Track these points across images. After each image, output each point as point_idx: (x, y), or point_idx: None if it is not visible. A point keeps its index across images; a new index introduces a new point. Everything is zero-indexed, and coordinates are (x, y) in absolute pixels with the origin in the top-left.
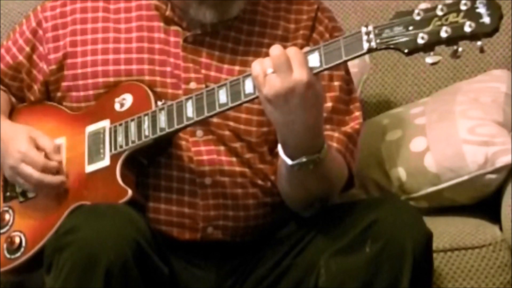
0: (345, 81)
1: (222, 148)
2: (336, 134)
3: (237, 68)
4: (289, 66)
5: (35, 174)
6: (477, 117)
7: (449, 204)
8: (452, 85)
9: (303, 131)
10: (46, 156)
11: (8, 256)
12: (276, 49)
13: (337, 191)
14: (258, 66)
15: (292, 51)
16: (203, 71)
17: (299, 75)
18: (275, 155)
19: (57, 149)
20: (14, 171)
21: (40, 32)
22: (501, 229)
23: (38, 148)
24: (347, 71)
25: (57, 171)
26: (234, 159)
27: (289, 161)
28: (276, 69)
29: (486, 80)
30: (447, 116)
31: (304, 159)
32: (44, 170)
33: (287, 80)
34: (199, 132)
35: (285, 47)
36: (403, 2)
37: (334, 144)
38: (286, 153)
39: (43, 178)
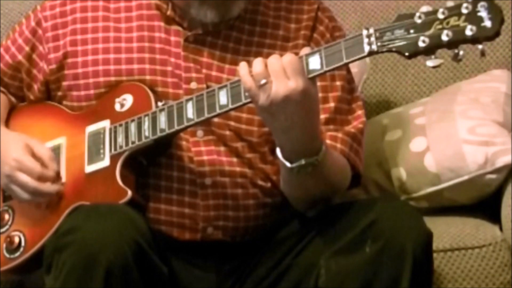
0: (347, 80)
1: (222, 148)
2: (339, 135)
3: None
4: (285, 74)
5: (31, 182)
6: (477, 117)
7: (449, 204)
8: (452, 85)
9: (300, 136)
10: (43, 164)
11: (7, 255)
12: (272, 58)
13: (339, 191)
14: (248, 79)
15: (287, 59)
16: (204, 70)
17: (295, 83)
18: (276, 156)
19: (54, 158)
20: (9, 180)
21: (40, 31)
22: (501, 229)
23: (34, 156)
24: (348, 70)
25: (53, 180)
26: (234, 159)
27: (288, 164)
28: (272, 78)
29: (486, 80)
30: (447, 116)
31: (302, 162)
32: (41, 178)
33: (282, 89)
34: (200, 132)
35: (286, 47)
36: (403, 2)
37: (338, 145)
38: (285, 156)
39: (39, 187)
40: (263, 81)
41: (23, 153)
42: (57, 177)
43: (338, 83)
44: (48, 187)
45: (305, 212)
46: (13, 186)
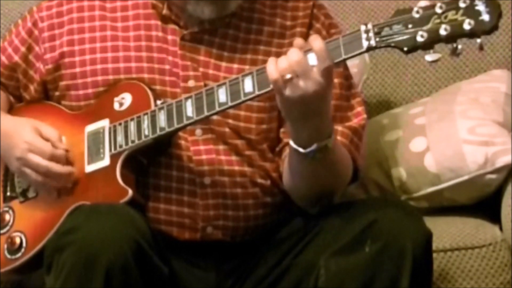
0: (345, 77)
1: (221, 147)
2: (339, 128)
3: (235, 66)
4: (312, 70)
5: (44, 162)
6: (477, 117)
7: (449, 204)
8: (452, 85)
9: (318, 121)
10: (52, 145)
11: (8, 256)
12: (295, 54)
13: (344, 183)
14: (275, 71)
15: (324, 63)
16: (201, 69)
17: (325, 80)
18: (277, 153)
19: (61, 138)
20: (21, 162)
21: (36, 32)
22: (501, 229)
23: (42, 137)
24: (346, 67)
25: (64, 161)
26: (233, 158)
27: (302, 150)
28: (299, 74)
29: (486, 80)
30: (447, 116)
31: (316, 146)
32: (52, 158)
33: (312, 84)
34: (198, 131)
35: (282, 44)
36: (403, 2)
37: (338, 137)
38: (298, 143)
39: (51, 167)
40: (288, 76)
41: (33, 135)
42: (67, 157)
43: (335, 80)
44: (60, 168)
45: (308, 209)
46: (25, 169)
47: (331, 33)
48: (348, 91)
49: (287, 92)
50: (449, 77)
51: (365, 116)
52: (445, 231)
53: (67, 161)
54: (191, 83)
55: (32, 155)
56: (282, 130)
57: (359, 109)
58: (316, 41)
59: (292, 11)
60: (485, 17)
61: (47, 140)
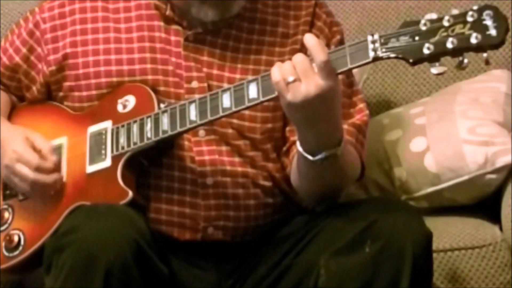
0: (346, 75)
1: (224, 148)
2: (345, 126)
3: (239, 66)
4: (314, 72)
5: (29, 174)
6: (477, 117)
7: (449, 204)
8: (452, 85)
9: (325, 128)
10: (42, 157)
11: (6, 254)
12: (299, 56)
13: (352, 181)
14: (278, 72)
15: (319, 58)
16: (205, 69)
17: (326, 81)
18: (285, 152)
19: (54, 151)
20: (9, 171)
21: (38, 33)
22: (501, 229)
23: (34, 149)
24: None
25: (52, 172)
26: (236, 159)
27: (311, 158)
28: (302, 77)
29: (486, 80)
30: (447, 116)
31: (325, 154)
32: (38, 169)
33: (313, 86)
34: (202, 132)
35: (285, 44)
36: (403, 2)
37: (345, 136)
38: (306, 149)
39: (38, 178)
40: (291, 78)
41: (23, 145)
42: (56, 169)
43: None
44: (46, 177)
45: (314, 207)
46: (13, 177)
47: (333, 31)
48: (350, 89)
49: (289, 96)
50: (449, 77)
51: (367, 112)
52: (445, 231)
53: (55, 171)
54: (194, 84)
55: (19, 165)
56: (288, 128)
57: (361, 105)
58: (309, 38)
59: (295, 10)
60: (492, 32)
61: (38, 151)
